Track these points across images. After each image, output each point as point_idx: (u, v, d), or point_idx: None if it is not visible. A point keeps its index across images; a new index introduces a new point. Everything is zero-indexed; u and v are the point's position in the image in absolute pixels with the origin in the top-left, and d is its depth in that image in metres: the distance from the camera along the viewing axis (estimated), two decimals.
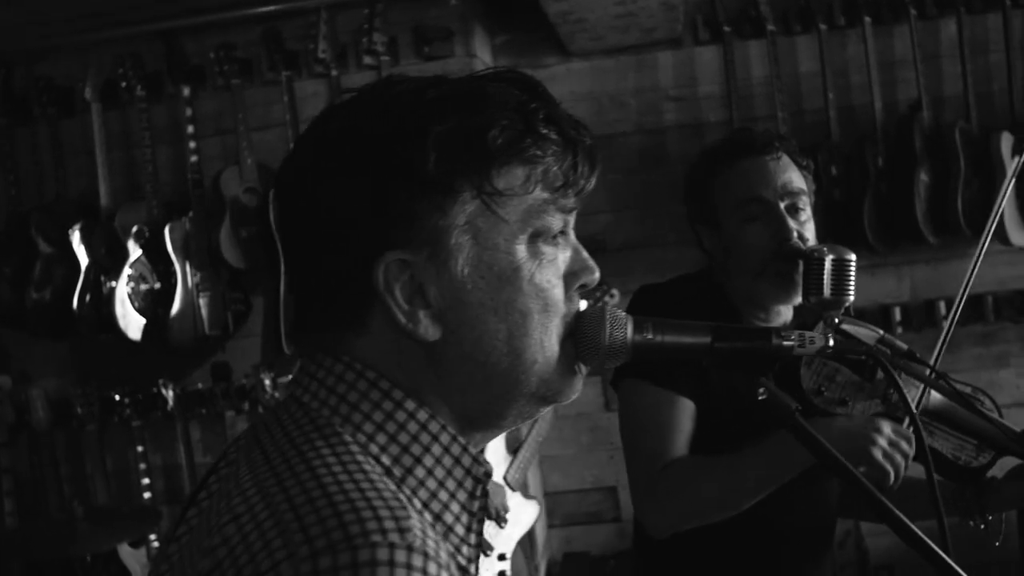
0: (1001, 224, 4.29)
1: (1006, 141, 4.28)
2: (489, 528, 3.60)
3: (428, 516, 0.99)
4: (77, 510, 3.56)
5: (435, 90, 1.01)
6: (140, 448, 4.36)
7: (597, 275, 1.10)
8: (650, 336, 1.10)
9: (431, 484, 1.00)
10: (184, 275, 4.22)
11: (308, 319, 1.05)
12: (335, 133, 1.02)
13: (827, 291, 2.11)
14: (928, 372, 2.07)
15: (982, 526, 2.15)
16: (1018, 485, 2.11)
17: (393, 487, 0.94)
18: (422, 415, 1.01)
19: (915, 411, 1.99)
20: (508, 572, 3.64)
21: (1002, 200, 2.28)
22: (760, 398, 1.14)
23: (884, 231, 4.39)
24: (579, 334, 1.09)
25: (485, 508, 1.06)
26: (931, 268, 4.54)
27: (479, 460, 1.04)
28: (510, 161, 1.01)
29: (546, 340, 1.04)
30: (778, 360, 1.14)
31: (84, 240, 4.29)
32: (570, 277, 1.08)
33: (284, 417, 1.02)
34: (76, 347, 4.52)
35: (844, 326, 2.13)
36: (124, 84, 4.32)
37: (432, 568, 0.86)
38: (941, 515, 1.24)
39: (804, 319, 2.31)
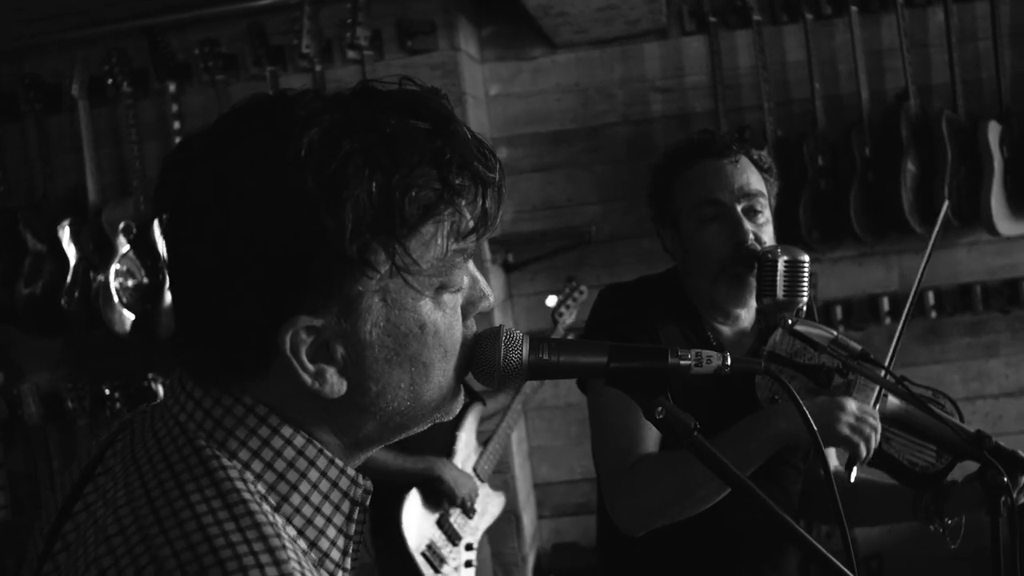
0: (989, 214, 4.27)
1: (993, 130, 4.27)
2: (458, 518, 3.61)
3: (303, 543, 0.98)
4: None
5: (346, 142, 0.95)
6: None
7: (491, 300, 1.09)
8: (546, 356, 1.11)
9: (307, 511, 0.99)
10: None
11: (201, 355, 1.01)
12: (240, 173, 0.95)
13: (780, 293, 2.11)
14: (883, 374, 2.07)
15: (941, 530, 2.15)
16: (975, 487, 2.10)
17: (273, 519, 0.93)
18: (299, 440, 1.00)
19: (873, 434, 2.00)
20: (474, 561, 3.66)
21: (945, 189, 2.28)
22: (658, 417, 1.14)
23: (871, 221, 4.37)
24: (475, 356, 1.09)
25: (363, 530, 1.05)
26: (919, 257, 4.49)
27: (357, 482, 1.03)
28: (424, 223, 0.98)
29: (444, 381, 1.05)
30: (676, 379, 1.14)
31: (73, 236, 4.31)
32: (468, 307, 1.07)
33: (163, 437, 1.00)
34: (67, 342, 4.55)
35: (798, 327, 2.14)
36: (110, 81, 4.32)
37: None
38: (844, 530, 1.24)
39: (767, 322, 2.31)
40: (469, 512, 3.63)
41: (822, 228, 4.38)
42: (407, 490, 3.49)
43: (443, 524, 3.56)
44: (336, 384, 0.98)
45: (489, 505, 3.78)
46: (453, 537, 3.57)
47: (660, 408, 1.14)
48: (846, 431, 1.97)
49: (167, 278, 4.08)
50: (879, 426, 2.01)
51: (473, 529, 3.66)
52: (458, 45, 4.30)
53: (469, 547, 3.63)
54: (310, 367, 0.97)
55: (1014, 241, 4.49)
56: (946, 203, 2.36)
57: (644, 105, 4.68)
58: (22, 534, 3.88)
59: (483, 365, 1.09)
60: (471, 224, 1.00)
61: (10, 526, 4.35)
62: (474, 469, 3.71)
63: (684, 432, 1.15)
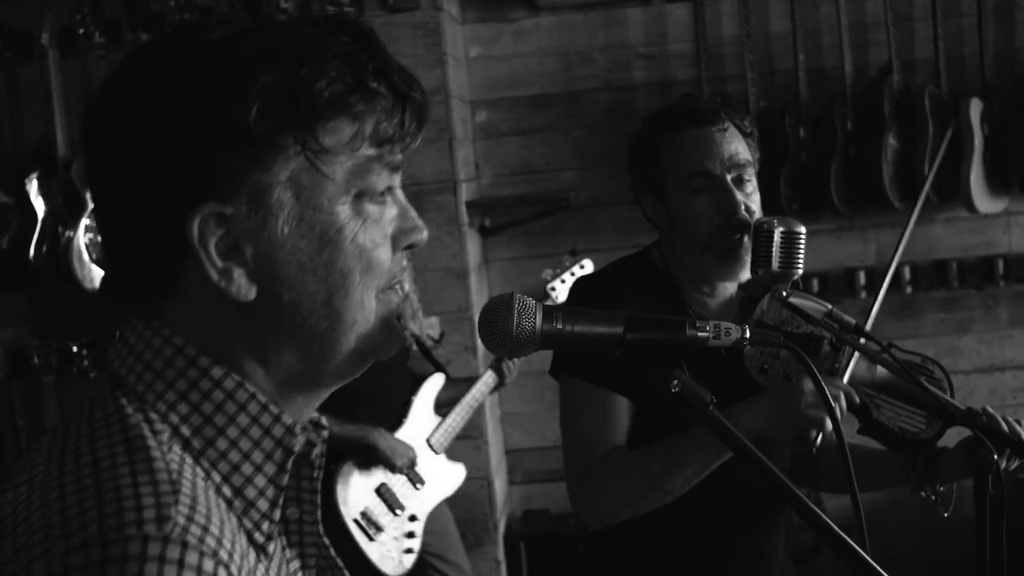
0: (968, 191, 4.27)
1: (975, 107, 4.26)
2: (401, 487, 3.56)
3: (227, 490, 0.95)
4: None
5: (259, 36, 0.96)
6: None
7: (425, 235, 1.05)
8: (559, 326, 1.07)
9: (234, 456, 0.96)
10: None
11: (119, 279, 1.00)
12: (149, 75, 0.96)
13: (776, 264, 2.08)
14: (875, 346, 2.06)
15: (932, 497, 2.14)
16: (967, 454, 2.10)
17: (177, 466, 0.91)
18: (228, 383, 0.96)
19: (845, 387, 1.99)
20: (418, 532, 3.60)
21: (933, 167, 2.27)
22: (674, 390, 1.11)
23: (851, 195, 4.37)
24: (486, 323, 1.06)
25: (311, 480, 1.03)
26: (897, 233, 4.47)
27: (293, 431, 0.99)
28: (336, 116, 0.96)
29: (367, 300, 1.00)
30: (692, 351, 1.11)
31: (41, 189, 4.21)
32: (399, 236, 1.03)
33: (96, 395, 0.98)
34: (34, 297, 4.46)
35: (792, 300, 2.11)
36: (82, 31, 4.22)
37: (191, 558, 0.83)
38: (858, 506, 1.22)
39: (751, 292, 2.29)
40: (415, 482, 3.59)
41: (802, 201, 4.37)
42: (341, 457, 3.44)
43: (383, 492, 3.51)
44: (244, 287, 0.95)
45: (443, 477, 3.73)
46: (394, 506, 3.51)
47: (676, 381, 1.11)
48: (808, 412, 1.96)
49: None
50: (842, 407, 1.99)
51: (421, 500, 3.61)
52: (440, 5, 4.22)
53: (413, 518, 3.57)
54: (218, 262, 0.95)
55: (991, 218, 4.51)
56: (932, 173, 2.34)
57: (626, 71, 4.63)
58: None
59: (495, 333, 1.06)
60: (389, 132, 0.99)
61: None
62: (427, 440, 3.66)
63: (701, 407, 1.12)
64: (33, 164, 4.23)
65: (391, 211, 1.02)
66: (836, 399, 1.99)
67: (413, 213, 1.04)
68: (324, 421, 1.07)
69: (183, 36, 0.99)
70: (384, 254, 1.01)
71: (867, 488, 2.84)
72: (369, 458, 3.48)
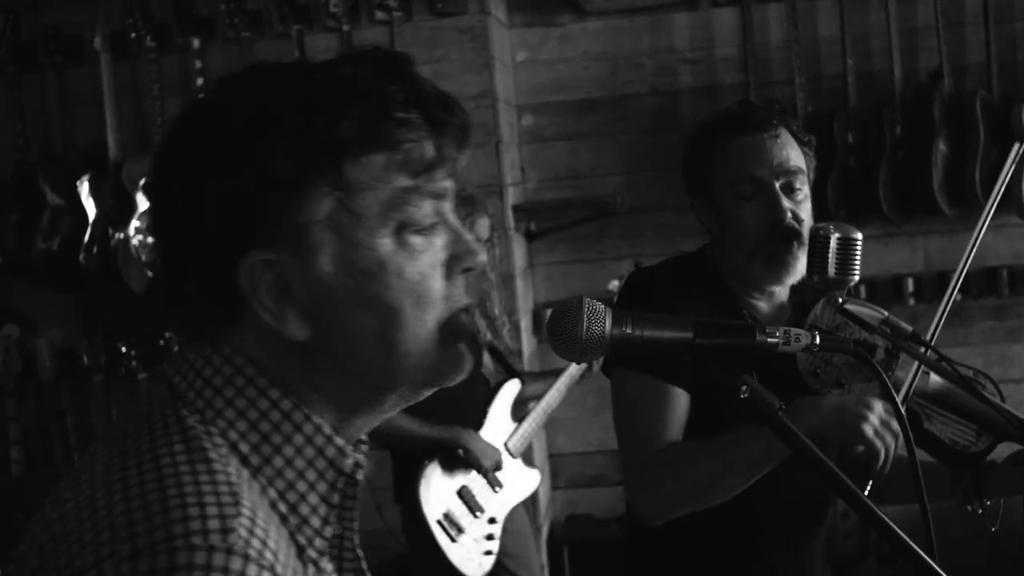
0: (1020, 198, 4.22)
1: None
2: (482, 490, 3.58)
3: (283, 507, 0.97)
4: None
5: (288, 81, 0.98)
6: None
7: (481, 259, 1.04)
8: (629, 331, 1.07)
9: (289, 474, 0.98)
10: None
11: (182, 310, 1.03)
12: (198, 127, 1.00)
13: (832, 270, 2.07)
14: (930, 354, 2.03)
15: (979, 511, 2.12)
16: (1017, 470, 2.07)
17: (237, 479, 0.93)
18: (286, 404, 0.98)
19: (900, 403, 1.96)
20: (496, 535, 3.62)
21: (1007, 173, 2.24)
22: (743, 396, 1.10)
23: (899, 200, 4.33)
24: (555, 327, 1.05)
25: (353, 499, 1.04)
26: (946, 239, 4.48)
27: (344, 452, 1.01)
28: (365, 151, 0.97)
29: (422, 332, 1.00)
30: (762, 357, 1.10)
31: (92, 191, 4.27)
32: (452, 262, 1.03)
33: (153, 403, 1.01)
34: (83, 298, 4.51)
35: (848, 306, 2.10)
36: (133, 34, 4.27)
37: (251, 571, 0.85)
38: (926, 511, 1.21)
39: (804, 296, 2.27)
40: (494, 485, 3.60)
41: (849, 206, 4.34)
42: (430, 458, 3.46)
43: (464, 495, 3.53)
44: (297, 326, 0.97)
45: (520, 480, 3.75)
46: (475, 508, 3.54)
47: (745, 387, 1.11)
48: (870, 434, 1.92)
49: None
50: (899, 437, 1.97)
51: (500, 503, 3.64)
52: (488, 9, 4.23)
53: (492, 520, 3.60)
54: (271, 305, 0.97)
55: None
56: (1003, 181, 2.31)
57: (672, 76, 4.62)
58: (34, 489, 3.89)
59: (564, 338, 1.06)
60: (424, 161, 0.99)
61: (23, 481, 4.33)
62: (505, 445, 3.68)
63: (769, 412, 1.11)
64: (84, 167, 4.29)
65: (441, 239, 1.02)
66: (895, 437, 1.96)
67: (467, 237, 1.04)
68: (363, 436, 1.09)
69: (230, 84, 1.02)
70: (435, 284, 1.01)
71: (912, 499, 2.82)
72: (454, 459, 3.50)
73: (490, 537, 3.60)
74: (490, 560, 3.58)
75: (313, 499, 0.99)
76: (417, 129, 0.98)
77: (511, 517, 3.72)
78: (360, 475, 1.04)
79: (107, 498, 0.90)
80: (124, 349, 4.37)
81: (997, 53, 4.27)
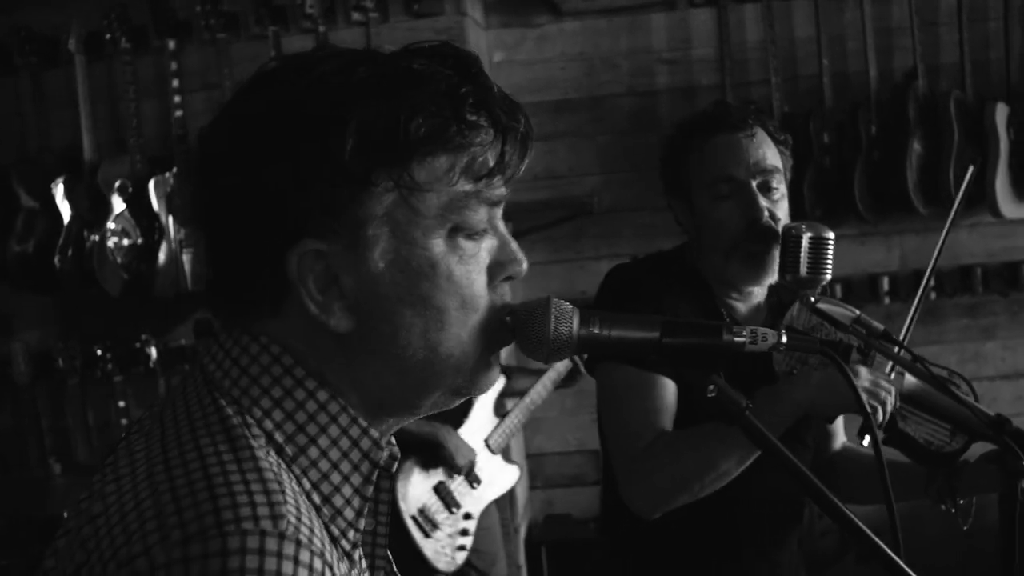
0: (993, 196, 4.25)
1: (1001, 111, 4.24)
2: (459, 486, 3.61)
3: (316, 497, 0.97)
4: (54, 467, 3.56)
5: (362, 69, 0.97)
6: (122, 403, 4.33)
7: (524, 267, 1.06)
8: (597, 331, 1.07)
9: (323, 465, 0.98)
10: (168, 230, 4.18)
11: (223, 295, 1.03)
12: (257, 109, 0.99)
13: (804, 269, 2.09)
14: (902, 353, 2.05)
15: (952, 510, 2.14)
16: (989, 469, 2.09)
17: (277, 469, 0.93)
18: (322, 395, 0.99)
19: (869, 408, 1.97)
20: (471, 530, 3.64)
21: (963, 193, 2.28)
22: (710, 395, 1.11)
23: (875, 200, 4.35)
24: (523, 327, 1.06)
25: (388, 492, 1.05)
26: (921, 238, 4.50)
27: (379, 444, 1.01)
28: (432, 151, 0.97)
29: (464, 335, 1.01)
30: (730, 356, 1.10)
31: (67, 194, 4.23)
32: (495, 268, 1.04)
33: (190, 394, 1.00)
34: (58, 300, 4.48)
35: (820, 305, 2.11)
36: (109, 36, 4.24)
37: (304, 555, 0.86)
38: (892, 509, 1.22)
39: (780, 297, 2.29)
40: (472, 481, 3.61)
41: (825, 206, 4.35)
42: (405, 454, 3.47)
43: (441, 490, 3.55)
44: (342, 319, 0.98)
45: (498, 477, 3.76)
46: (451, 504, 3.56)
47: (712, 386, 1.11)
48: (863, 393, 1.94)
49: (163, 238, 4.07)
50: (893, 390, 1.99)
51: (476, 499, 3.65)
52: (464, 10, 4.23)
53: (468, 516, 3.62)
54: (317, 296, 0.97)
55: (1016, 224, 4.47)
56: (971, 169, 2.33)
57: (649, 77, 4.63)
58: (7, 491, 3.85)
59: (531, 337, 1.06)
60: (488, 167, 0.99)
61: None
62: (485, 440, 3.69)
63: (736, 411, 1.11)
64: (59, 169, 4.26)
65: (488, 244, 1.03)
66: (890, 393, 1.98)
67: (514, 245, 1.06)
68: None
69: (293, 68, 1.00)
70: (480, 289, 1.02)
71: (881, 500, 2.84)
72: (432, 456, 3.53)
73: (464, 532, 3.63)
74: (463, 555, 3.62)
75: (347, 491, 0.99)
76: (484, 133, 0.99)
77: (485, 513, 3.74)
78: (395, 468, 1.04)
79: (152, 490, 0.90)
80: (100, 352, 4.34)
81: (970, 53, 4.30)
